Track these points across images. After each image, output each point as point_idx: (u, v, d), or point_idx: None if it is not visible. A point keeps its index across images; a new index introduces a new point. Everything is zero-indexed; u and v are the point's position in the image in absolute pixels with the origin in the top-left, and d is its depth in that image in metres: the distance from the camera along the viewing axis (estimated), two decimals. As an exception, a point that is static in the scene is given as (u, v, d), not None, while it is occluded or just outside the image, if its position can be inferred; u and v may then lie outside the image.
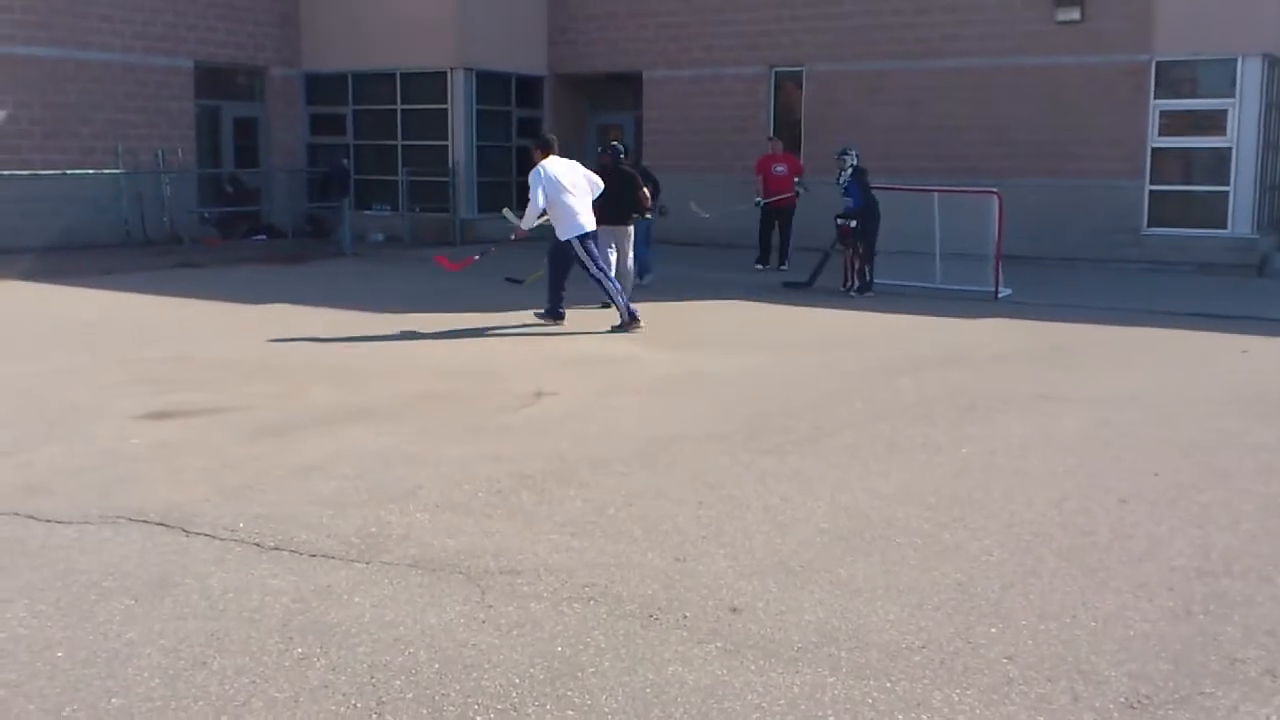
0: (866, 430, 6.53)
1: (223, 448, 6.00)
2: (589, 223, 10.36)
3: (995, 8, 17.45)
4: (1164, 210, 16.88)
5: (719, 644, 3.66)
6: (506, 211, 13.48)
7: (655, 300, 12.22)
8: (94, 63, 17.64)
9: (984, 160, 17.22)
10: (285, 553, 4.44)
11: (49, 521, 4.78)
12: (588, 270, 10.35)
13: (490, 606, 3.94)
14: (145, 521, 4.79)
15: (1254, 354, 9.42)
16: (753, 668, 3.50)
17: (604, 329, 10.28)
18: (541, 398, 7.39)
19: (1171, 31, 16.33)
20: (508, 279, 12.55)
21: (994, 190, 13.45)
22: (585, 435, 6.35)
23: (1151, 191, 16.91)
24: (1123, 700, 3.31)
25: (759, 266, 15.32)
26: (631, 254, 12.40)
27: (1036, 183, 16.96)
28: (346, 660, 3.52)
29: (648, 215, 12.74)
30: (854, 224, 12.97)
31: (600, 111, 21.92)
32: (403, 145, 20.21)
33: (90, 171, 17.27)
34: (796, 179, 15.67)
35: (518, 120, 20.88)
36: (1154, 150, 16.81)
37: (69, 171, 16.90)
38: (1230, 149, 16.38)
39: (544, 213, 10.33)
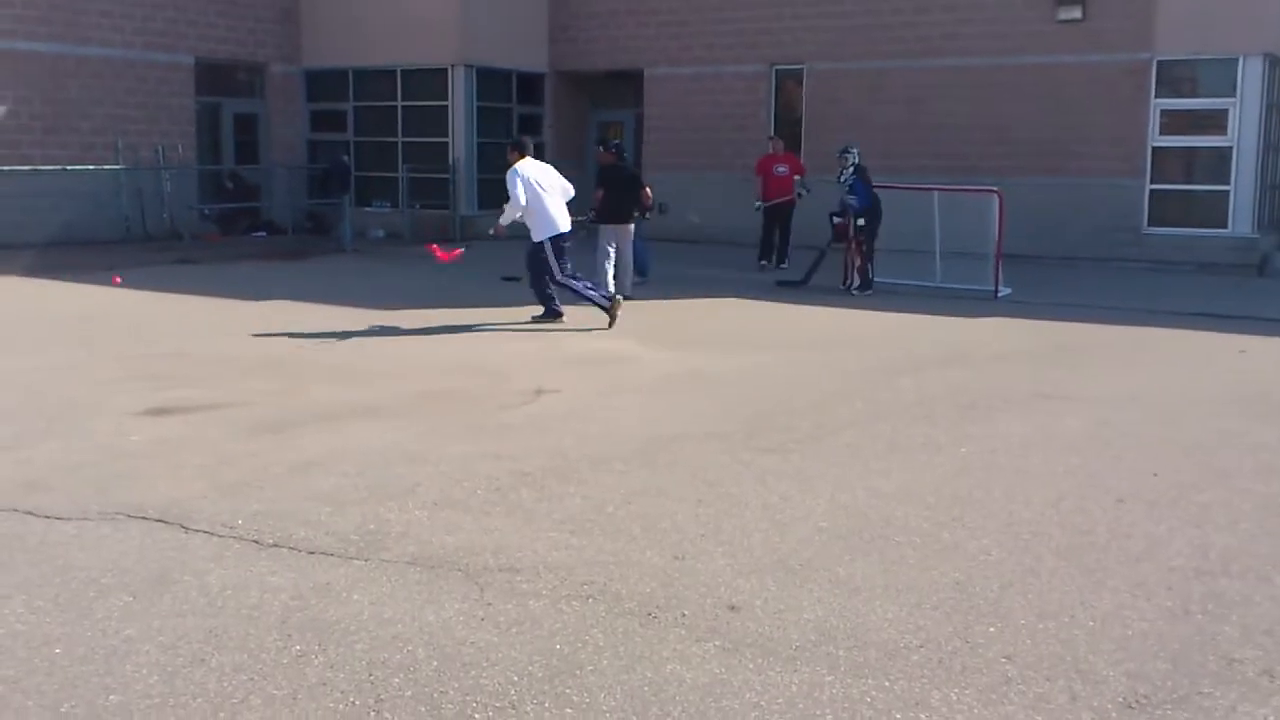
0: (866, 429, 6.53)
1: (221, 444, 6.00)
2: (564, 225, 10.46)
3: (996, 6, 17.44)
4: (1164, 210, 16.88)
5: (717, 642, 3.66)
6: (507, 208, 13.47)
7: (656, 299, 12.23)
8: (94, 58, 17.63)
9: (984, 159, 17.21)
10: (284, 550, 4.44)
11: (48, 518, 4.78)
12: (550, 277, 10.37)
13: (489, 604, 3.94)
14: (144, 518, 4.79)
15: (1254, 354, 9.42)
16: (751, 666, 3.50)
17: (602, 328, 10.27)
18: (541, 396, 7.39)
19: (1173, 31, 16.32)
20: (504, 278, 12.57)
21: (994, 189, 13.45)
22: (585, 433, 6.35)
23: (1152, 191, 16.91)
24: (1121, 700, 3.31)
25: (763, 263, 15.28)
26: (631, 253, 12.43)
27: (1037, 181, 16.95)
28: (345, 657, 3.52)
29: (647, 215, 12.78)
30: (862, 222, 12.96)
31: (601, 109, 21.91)
32: (403, 142, 20.20)
33: (90, 167, 17.27)
34: (798, 178, 15.58)
35: (518, 117, 20.86)
36: (1155, 149, 16.81)
37: (69, 167, 16.89)
38: (1231, 148, 16.37)
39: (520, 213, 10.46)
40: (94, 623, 3.76)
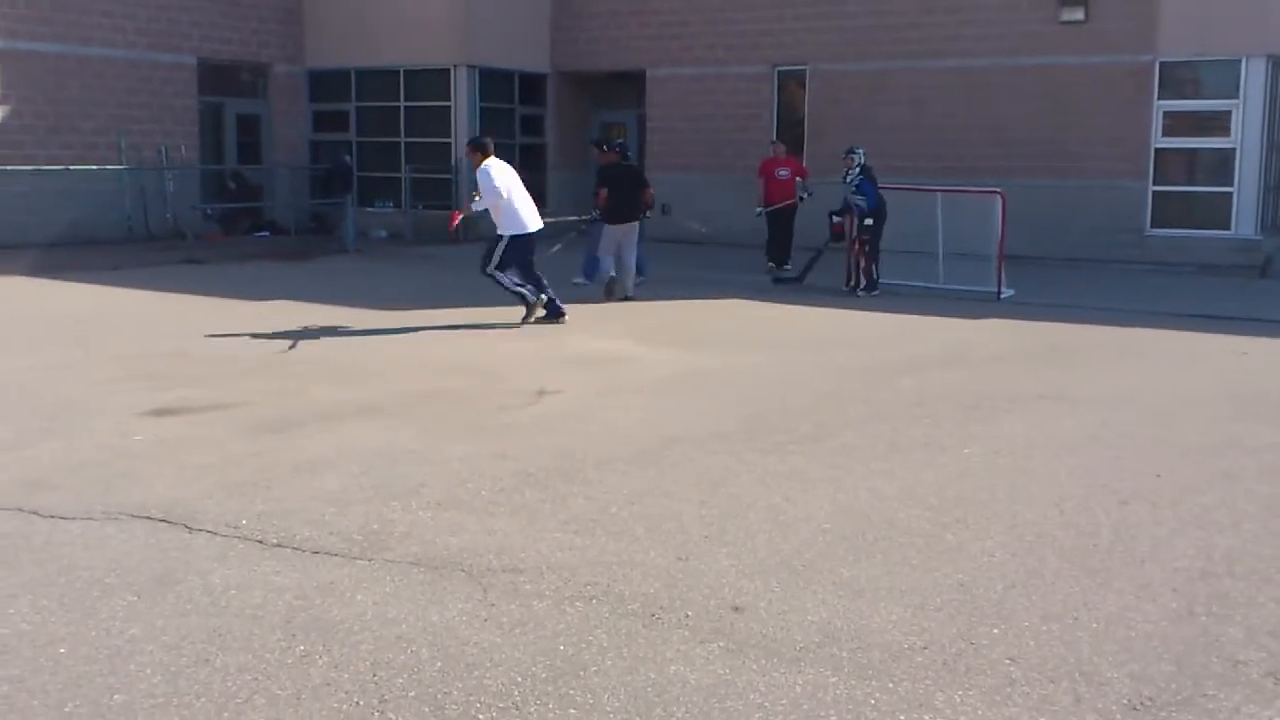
0: (869, 430, 6.53)
1: (225, 444, 6.01)
2: (533, 223, 10.58)
3: (999, 8, 17.43)
4: (1167, 211, 16.87)
5: (721, 643, 3.66)
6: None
7: (657, 299, 12.23)
8: (97, 58, 17.65)
9: (987, 160, 17.21)
10: (288, 549, 4.45)
11: (52, 517, 4.79)
12: (486, 265, 10.47)
13: (493, 605, 3.94)
14: (148, 518, 4.79)
15: (1256, 355, 9.41)
16: (755, 667, 3.50)
17: (602, 328, 10.28)
18: (544, 396, 7.39)
19: (1175, 32, 16.32)
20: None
21: (997, 190, 13.44)
22: (588, 434, 6.35)
23: (1155, 192, 16.90)
24: (1125, 702, 3.31)
25: (770, 265, 15.15)
26: (635, 251, 12.46)
27: (1039, 183, 16.95)
28: (349, 658, 3.52)
29: (647, 214, 12.81)
30: (870, 222, 12.94)
31: (603, 109, 21.92)
32: (406, 142, 20.21)
33: (94, 167, 17.29)
34: (799, 180, 15.46)
35: (521, 118, 20.89)
36: (1157, 151, 16.80)
37: (72, 167, 16.91)
38: (1234, 150, 16.37)
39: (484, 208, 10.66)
40: (98, 622, 3.76)
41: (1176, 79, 16.74)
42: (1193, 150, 16.90)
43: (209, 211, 19.21)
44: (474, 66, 19.58)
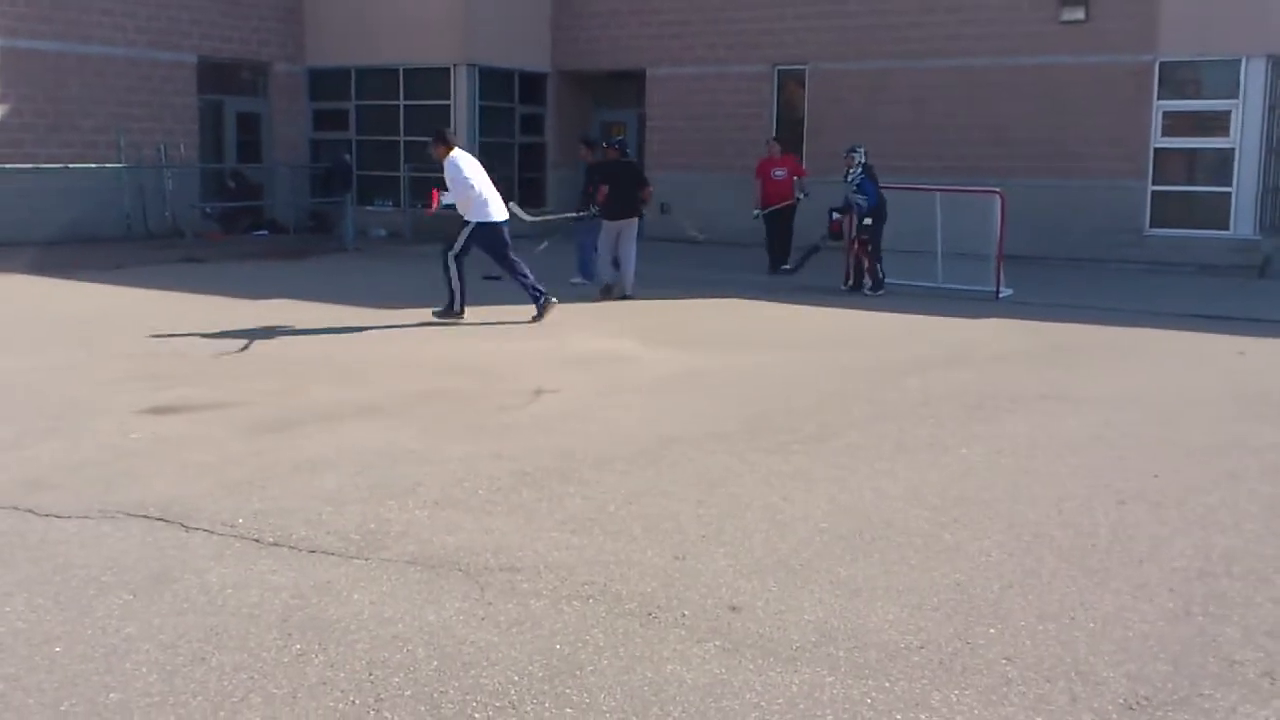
0: (869, 430, 6.53)
1: (223, 443, 6.00)
2: (499, 214, 10.58)
3: (999, 7, 17.43)
4: (1166, 211, 16.87)
5: (718, 643, 3.66)
6: (513, 205, 13.54)
7: (657, 299, 12.23)
8: (96, 57, 17.65)
9: (986, 160, 17.21)
10: (284, 548, 4.44)
11: (48, 516, 4.78)
12: (450, 249, 10.45)
13: (489, 604, 3.94)
14: (145, 516, 4.79)
15: (1254, 355, 9.41)
16: (751, 667, 3.49)
17: (601, 327, 10.26)
18: (542, 395, 7.39)
19: (1176, 32, 16.31)
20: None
21: (996, 190, 13.44)
22: (586, 433, 6.35)
23: (1154, 192, 16.90)
24: (1121, 701, 3.31)
25: (770, 272, 14.99)
26: (634, 248, 12.48)
27: (1039, 183, 16.95)
28: (345, 657, 3.52)
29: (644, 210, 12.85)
30: (869, 221, 12.93)
31: (603, 108, 21.92)
32: (405, 141, 20.20)
33: (93, 166, 17.29)
34: (797, 180, 15.36)
35: (521, 117, 20.89)
36: (1157, 151, 16.80)
37: (72, 165, 16.91)
38: (1233, 150, 16.37)
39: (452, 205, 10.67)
40: (94, 621, 3.76)
41: (1176, 79, 16.74)
42: (1192, 150, 16.90)
43: (208, 210, 19.21)
44: (474, 65, 19.58)
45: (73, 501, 4.97)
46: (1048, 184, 17.04)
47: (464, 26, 19.42)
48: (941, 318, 11.25)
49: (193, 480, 5.31)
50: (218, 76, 19.62)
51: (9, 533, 4.59)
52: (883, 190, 13.18)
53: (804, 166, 16.23)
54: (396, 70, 20.03)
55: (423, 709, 3.21)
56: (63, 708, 3.19)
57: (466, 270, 10.62)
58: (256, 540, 4.53)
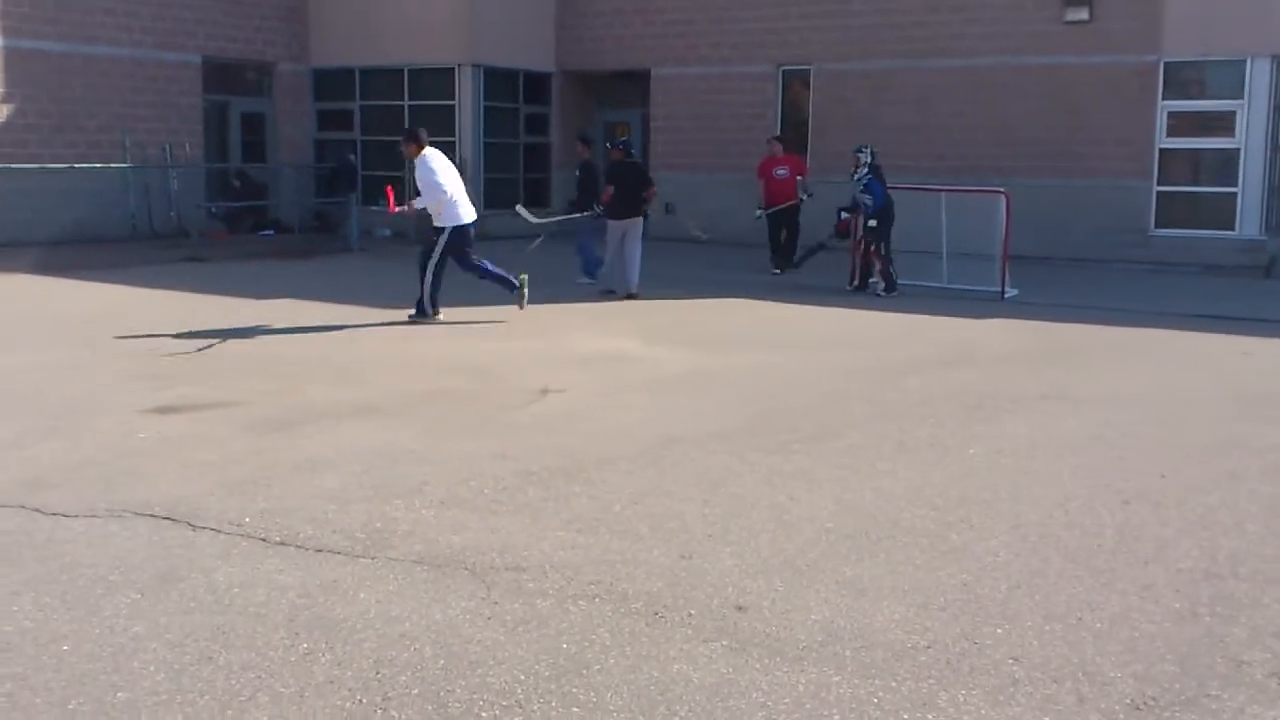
0: (873, 430, 6.52)
1: (228, 442, 6.01)
2: (469, 215, 10.47)
3: (1003, 7, 17.41)
4: (1171, 211, 16.85)
5: (724, 642, 3.66)
6: (520, 208, 13.57)
7: (661, 298, 12.23)
8: (101, 57, 17.67)
9: (991, 160, 17.19)
10: (291, 548, 4.45)
11: (55, 515, 4.79)
12: (428, 258, 10.33)
13: (496, 603, 3.94)
14: (151, 515, 4.79)
15: (1259, 356, 9.40)
16: (758, 666, 3.49)
17: (606, 327, 10.26)
18: (547, 395, 7.39)
19: (1180, 32, 16.30)
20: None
21: (1001, 190, 13.43)
22: (591, 433, 6.35)
23: (1159, 192, 16.89)
24: (1128, 702, 3.30)
25: (776, 272, 14.83)
26: (639, 248, 12.51)
27: (1044, 183, 16.93)
28: (352, 656, 3.52)
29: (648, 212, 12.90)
30: (874, 223, 12.91)
31: (608, 108, 21.92)
32: (409, 141, 20.19)
33: (98, 166, 17.31)
34: (800, 178, 15.27)
35: (525, 117, 20.89)
36: (1162, 151, 16.79)
37: (76, 165, 16.93)
38: (1238, 150, 16.35)
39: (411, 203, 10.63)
40: (101, 620, 3.76)
41: (1181, 79, 16.72)
42: (1197, 150, 16.88)
43: (213, 210, 19.23)
44: (478, 66, 19.59)
45: (79, 500, 4.98)
46: (1052, 184, 17.02)
47: (468, 27, 19.43)
48: (945, 318, 11.24)
49: (198, 479, 5.31)
50: (222, 77, 19.65)
51: (16, 532, 4.60)
52: (889, 190, 13.15)
53: (807, 166, 16.18)
54: (401, 71, 20.04)
55: (430, 708, 3.22)
56: (70, 706, 3.20)
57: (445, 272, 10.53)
58: (263, 539, 4.53)
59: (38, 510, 4.85)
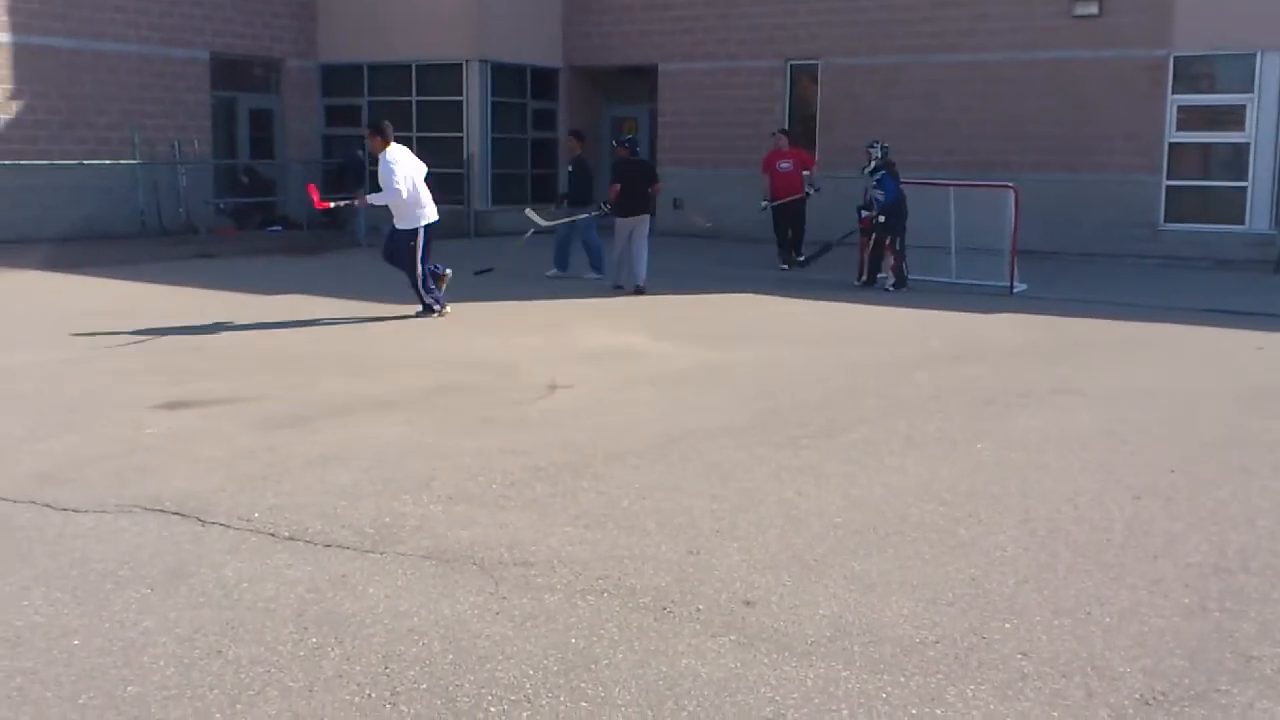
0: (881, 424, 6.51)
1: (237, 438, 6.03)
2: (432, 214, 10.32)
3: (1012, 2, 17.36)
4: (1181, 205, 16.79)
5: (732, 637, 3.66)
6: (529, 211, 13.59)
7: (669, 294, 12.23)
8: (110, 53, 17.71)
9: (1000, 154, 17.15)
10: (300, 543, 4.46)
11: (65, 510, 4.81)
12: (411, 261, 10.15)
13: (504, 598, 3.95)
14: (161, 511, 4.81)
15: (1271, 350, 9.36)
16: (766, 661, 3.49)
17: (614, 322, 10.27)
18: (555, 390, 7.40)
19: (1190, 26, 16.23)
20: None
21: (1010, 185, 13.40)
22: (599, 428, 6.36)
23: (1169, 187, 16.83)
24: (1137, 697, 3.30)
25: (783, 267, 14.77)
26: (646, 244, 12.53)
27: (1053, 177, 16.89)
28: (361, 650, 3.53)
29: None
30: (881, 219, 12.87)
31: (615, 104, 21.92)
32: (417, 137, 20.19)
33: (107, 162, 17.36)
34: (806, 172, 15.18)
35: (533, 112, 20.89)
36: (1171, 145, 16.73)
37: (86, 162, 16.98)
38: (1249, 144, 16.28)
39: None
40: (111, 615, 3.78)
41: (1191, 73, 16.65)
42: (1207, 145, 16.82)
43: (222, 206, 19.28)
44: (486, 61, 19.60)
45: (89, 496, 5.00)
46: (1061, 179, 16.98)
47: (476, 22, 19.43)
48: (954, 313, 11.22)
49: (207, 475, 5.33)
50: (230, 73, 19.68)
51: (27, 527, 4.62)
52: (902, 186, 13.10)
53: (814, 160, 16.09)
54: (409, 66, 20.05)
55: (438, 702, 3.22)
56: (81, 700, 3.21)
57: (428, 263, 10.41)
58: (272, 534, 4.54)
59: (48, 505, 4.87)
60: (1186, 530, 4.76)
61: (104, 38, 17.61)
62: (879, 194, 12.95)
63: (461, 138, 19.80)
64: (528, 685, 3.32)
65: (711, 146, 19.52)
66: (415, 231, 10.19)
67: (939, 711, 3.20)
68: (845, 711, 3.20)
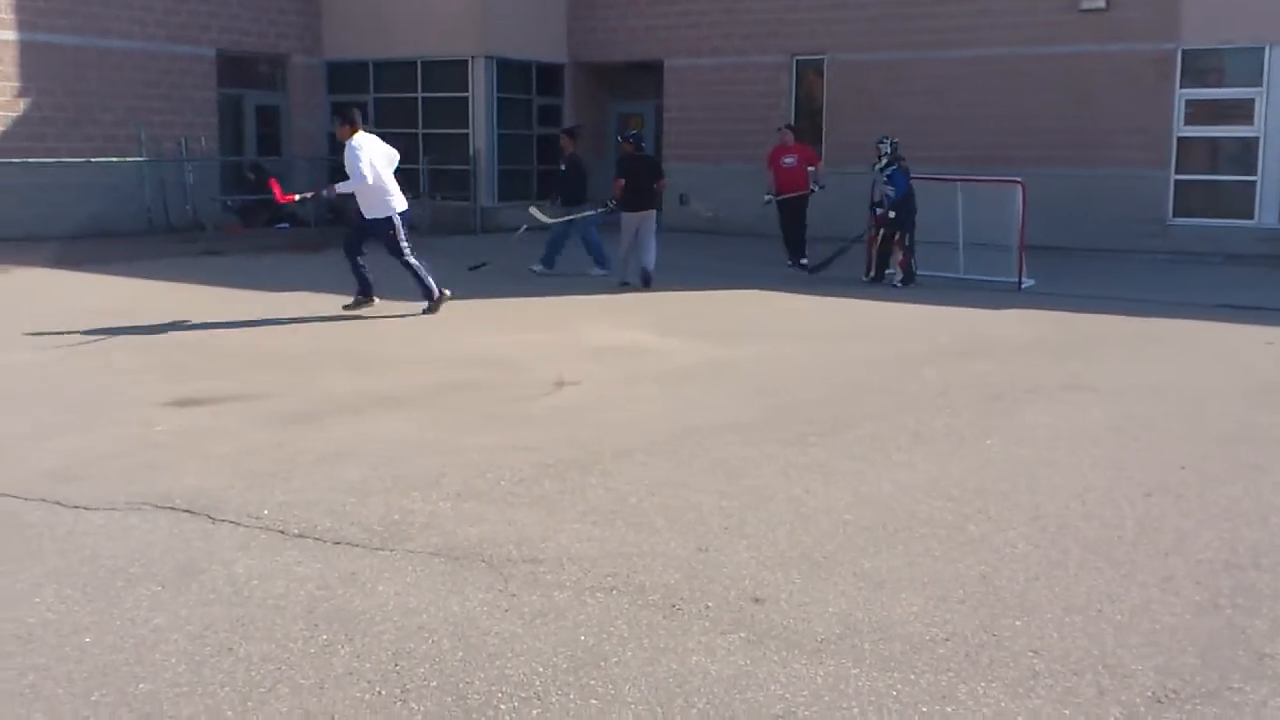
0: (890, 421, 6.50)
1: (246, 435, 6.04)
2: (401, 203, 10.29)
3: (1019, -4, 17.31)
4: (1190, 200, 16.74)
5: (742, 634, 3.65)
6: (534, 209, 13.60)
7: (675, 290, 12.22)
8: (116, 50, 17.73)
9: (1007, 150, 17.10)
10: (309, 540, 4.46)
11: (76, 508, 4.82)
12: (401, 253, 10.14)
13: (513, 595, 3.95)
14: (171, 508, 4.82)
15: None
16: (776, 659, 3.49)
17: (621, 318, 10.27)
18: (563, 387, 7.39)
19: (1198, 19, 16.17)
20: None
21: (1017, 180, 13.36)
22: (607, 425, 6.35)
23: (1177, 181, 16.77)
24: (1149, 694, 3.29)
25: (789, 264, 14.60)
26: (654, 240, 12.54)
27: (1060, 172, 16.84)
28: (371, 647, 3.53)
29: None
30: (892, 214, 12.84)
31: (621, 100, 21.89)
32: (423, 133, 20.24)
33: (114, 159, 17.38)
34: (811, 170, 15.09)
35: (538, 109, 20.88)
36: (1180, 139, 16.67)
37: (92, 159, 17.00)
38: (1258, 138, 16.22)
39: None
40: (122, 612, 3.78)
41: (1199, 67, 16.59)
42: (1215, 139, 16.75)
43: (228, 203, 19.30)
44: (491, 57, 19.59)
45: (99, 493, 5.01)
46: (1069, 174, 16.93)
47: (481, 19, 19.42)
48: (962, 309, 11.19)
49: (216, 472, 5.34)
50: (236, 70, 19.69)
51: (38, 524, 4.63)
52: (912, 182, 13.07)
53: (820, 156, 15.99)
54: (414, 63, 20.06)
55: (449, 700, 3.22)
56: (93, 698, 3.22)
57: (423, 256, 10.42)
58: (282, 532, 4.55)
59: (59, 503, 4.88)
60: (1198, 527, 4.74)
61: (110, 35, 17.63)
62: (889, 190, 12.92)
63: (467, 134, 19.80)
64: (537, 682, 3.32)
65: (717, 142, 19.49)
66: (390, 220, 10.15)
67: (950, 709, 3.20)
68: (855, 709, 3.20)
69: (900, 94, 17.99)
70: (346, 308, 10.28)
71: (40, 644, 3.54)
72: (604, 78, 21.57)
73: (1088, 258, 15.82)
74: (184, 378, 7.50)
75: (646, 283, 12.29)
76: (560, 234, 13.36)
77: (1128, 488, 5.26)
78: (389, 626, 3.68)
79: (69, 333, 9.27)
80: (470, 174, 19.56)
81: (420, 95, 20.22)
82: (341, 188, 10.35)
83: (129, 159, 17.65)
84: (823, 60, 18.91)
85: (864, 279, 13.16)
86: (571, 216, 13.36)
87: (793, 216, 14.80)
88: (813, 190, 14.67)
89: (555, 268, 13.35)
